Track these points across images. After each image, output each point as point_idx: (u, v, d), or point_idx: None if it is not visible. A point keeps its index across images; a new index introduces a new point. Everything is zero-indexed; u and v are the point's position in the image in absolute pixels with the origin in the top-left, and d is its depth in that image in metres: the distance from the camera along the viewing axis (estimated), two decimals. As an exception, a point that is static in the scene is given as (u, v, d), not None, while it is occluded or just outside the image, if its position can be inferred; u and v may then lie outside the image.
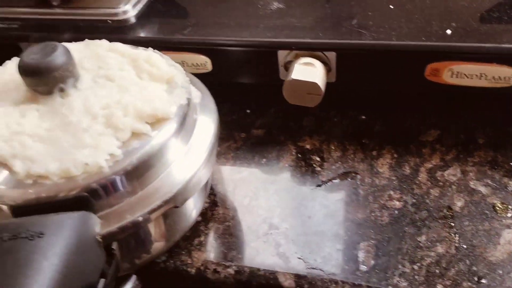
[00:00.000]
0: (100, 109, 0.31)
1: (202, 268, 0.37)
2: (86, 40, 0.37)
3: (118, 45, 0.36)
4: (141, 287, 0.37)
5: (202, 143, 0.34)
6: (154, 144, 0.31)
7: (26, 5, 0.52)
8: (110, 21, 0.48)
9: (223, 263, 0.37)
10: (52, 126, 0.30)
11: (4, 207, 0.30)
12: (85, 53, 0.35)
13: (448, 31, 0.41)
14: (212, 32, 0.45)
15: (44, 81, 0.31)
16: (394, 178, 0.41)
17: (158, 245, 0.37)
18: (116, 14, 0.48)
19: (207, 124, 0.36)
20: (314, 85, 0.40)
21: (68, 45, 0.36)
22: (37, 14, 0.51)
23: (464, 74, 0.41)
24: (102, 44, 0.36)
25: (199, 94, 0.38)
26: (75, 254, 0.27)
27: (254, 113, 0.50)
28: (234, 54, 0.45)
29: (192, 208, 0.39)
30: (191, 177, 0.32)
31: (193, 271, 0.37)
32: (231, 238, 0.38)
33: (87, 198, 0.29)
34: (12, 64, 0.36)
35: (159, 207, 0.31)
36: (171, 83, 0.34)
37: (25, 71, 0.31)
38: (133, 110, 0.31)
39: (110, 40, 0.39)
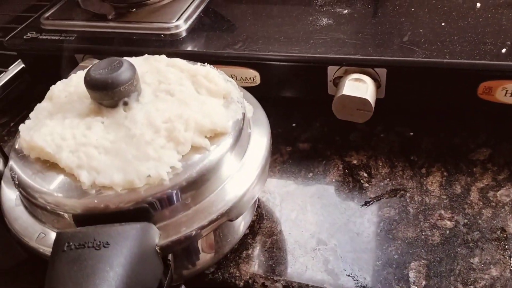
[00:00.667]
0: (162, 122, 0.32)
1: (250, 281, 0.37)
2: (146, 55, 0.39)
3: (177, 61, 0.37)
4: (189, 297, 0.37)
5: (256, 158, 0.35)
6: (212, 159, 0.31)
7: (82, 19, 0.54)
8: (163, 35, 0.50)
9: (271, 277, 0.37)
10: (116, 138, 0.32)
11: (67, 215, 0.32)
12: (145, 67, 0.37)
13: (503, 50, 0.40)
14: (262, 47, 0.46)
15: (110, 95, 0.32)
16: (444, 197, 0.41)
17: (206, 257, 0.38)
18: (168, 29, 0.50)
19: (260, 138, 0.37)
20: (365, 101, 0.41)
21: (128, 59, 0.37)
22: (93, 27, 0.53)
23: (519, 93, 0.41)
24: (162, 59, 0.37)
25: (252, 109, 0.38)
26: (137, 264, 0.28)
27: (299, 126, 0.50)
28: (284, 69, 0.46)
29: (241, 221, 0.39)
30: (246, 191, 0.33)
31: (241, 284, 0.37)
32: (279, 252, 0.39)
33: (148, 209, 0.30)
34: (76, 77, 0.37)
35: (214, 220, 0.32)
36: (227, 98, 0.35)
37: (92, 85, 0.32)
38: (193, 124, 0.32)
39: (163, 54, 0.40)
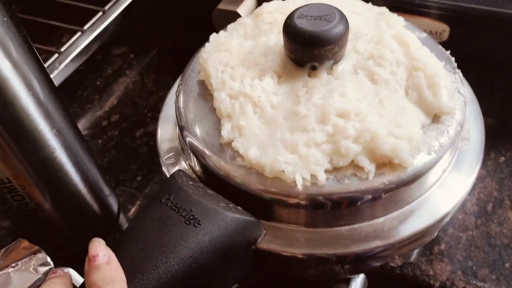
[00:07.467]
0: (336, 115, 0.25)
1: (448, 283, 0.33)
2: (384, 8, 0.31)
3: (410, 37, 0.28)
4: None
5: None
6: (367, 188, 0.24)
7: None
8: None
9: (474, 282, 0.32)
10: (280, 105, 0.26)
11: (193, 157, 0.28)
12: (370, 27, 0.29)
13: None
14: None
15: (299, 52, 0.27)
16: None
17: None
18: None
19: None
20: None
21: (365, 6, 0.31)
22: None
23: None
24: (396, 24, 0.29)
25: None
26: (216, 254, 0.24)
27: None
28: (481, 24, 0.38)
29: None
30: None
31: (436, 284, 0.33)
32: (478, 252, 0.34)
33: (268, 203, 0.25)
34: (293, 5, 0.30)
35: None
36: (439, 119, 0.27)
37: (286, 31, 0.26)
38: (368, 140, 0.24)
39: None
